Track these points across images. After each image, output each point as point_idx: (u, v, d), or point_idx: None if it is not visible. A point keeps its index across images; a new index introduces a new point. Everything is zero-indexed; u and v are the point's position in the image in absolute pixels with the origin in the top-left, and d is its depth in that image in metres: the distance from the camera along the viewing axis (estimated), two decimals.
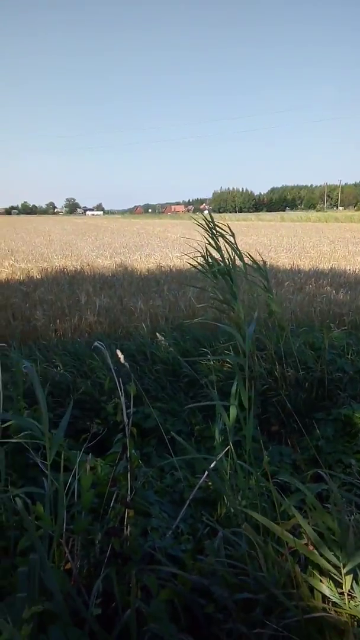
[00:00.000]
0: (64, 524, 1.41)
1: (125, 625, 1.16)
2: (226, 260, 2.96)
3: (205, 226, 3.02)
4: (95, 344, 1.61)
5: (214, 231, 3.02)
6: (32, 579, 1.14)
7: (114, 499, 1.59)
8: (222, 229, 3.09)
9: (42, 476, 2.12)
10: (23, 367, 1.45)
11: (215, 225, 3.05)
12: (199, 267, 3.13)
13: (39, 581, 1.15)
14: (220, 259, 2.98)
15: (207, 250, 3.12)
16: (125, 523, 1.49)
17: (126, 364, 1.40)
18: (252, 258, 3.34)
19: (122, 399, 1.63)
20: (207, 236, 3.10)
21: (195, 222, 3.19)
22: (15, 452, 2.11)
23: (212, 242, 2.97)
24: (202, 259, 3.26)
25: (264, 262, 3.57)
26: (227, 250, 3.06)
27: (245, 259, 3.31)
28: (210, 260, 3.04)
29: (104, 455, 2.01)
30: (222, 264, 2.94)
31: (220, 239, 3.06)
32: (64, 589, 1.20)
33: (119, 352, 1.40)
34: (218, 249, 3.00)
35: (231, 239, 2.98)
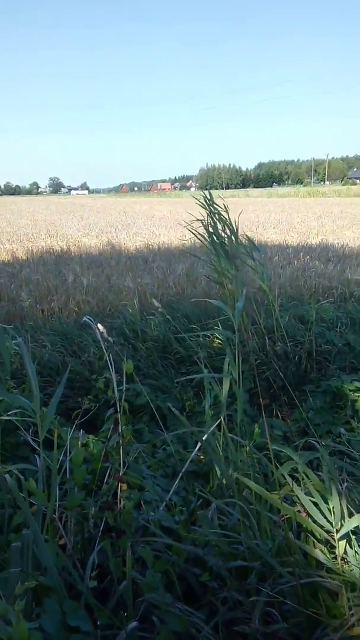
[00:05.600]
0: (57, 500, 1.40)
1: (121, 596, 1.17)
2: (222, 234, 3.00)
3: (204, 203, 3.09)
4: (84, 319, 1.58)
5: (211, 208, 3.07)
6: (26, 554, 1.13)
7: (107, 474, 1.59)
8: (217, 206, 3.14)
9: (33, 455, 2.11)
10: (14, 343, 1.41)
11: (212, 202, 3.10)
12: (200, 240, 3.17)
13: (33, 556, 1.15)
14: (216, 234, 3.01)
15: (205, 225, 3.17)
16: (118, 497, 1.49)
17: (110, 338, 1.38)
18: (248, 237, 3.36)
19: (113, 373, 1.61)
20: (203, 213, 3.15)
21: (197, 201, 3.25)
22: (4, 432, 2.09)
23: (210, 218, 3.03)
24: (198, 234, 3.29)
25: (251, 239, 3.59)
26: (221, 225, 3.10)
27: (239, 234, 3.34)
28: (206, 235, 3.09)
29: (96, 433, 2.00)
30: (219, 238, 2.98)
31: (215, 215, 3.11)
32: (59, 563, 1.20)
33: (100, 326, 1.37)
34: (214, 224, 3.05)
35: (225, 215, 3.01)
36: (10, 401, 1.73)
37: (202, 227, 3.44)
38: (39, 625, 0.97)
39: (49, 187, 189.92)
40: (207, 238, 3.29)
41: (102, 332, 1.36)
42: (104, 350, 1.64)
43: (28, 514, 1.18)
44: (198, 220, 3.33)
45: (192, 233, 3.38)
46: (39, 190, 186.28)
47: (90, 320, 1.69)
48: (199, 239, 3.35)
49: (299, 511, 1.19)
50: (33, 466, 1.59)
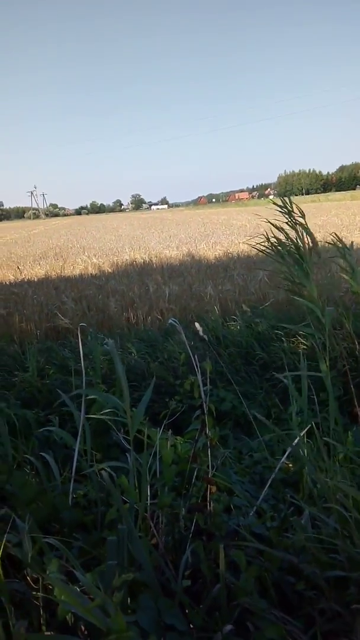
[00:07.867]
0: (148, 499, 1.42)
1: (214, 599, 1.15)
2: (296, 241, 2.88)
3: (279, 210, 2.98)
4: (170, 321, 1.60)
5: (285, 215, 2.95)
6: (121, 549, 1.15)
7: (195, 476, 1.58)
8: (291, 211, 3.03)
9: (123, 456, 2.17)
10: (104, 343, 1.47)
11: (287, 207, 3.00)
12: (266, 249, 3.08)
13: (127, 552, 1.17)
14: (290, 239, 2.90)
15: (270, 233, 3.07)
16: (207, 499, 1.48)
17: (205, 336, 1.38)
18: (337, 236, 3.21)
19: (199, 375, 1.61)
20: (276, 218, 3.06)
21: (275, 206, 3.16)
22: (97, 433, 2.18)
23: (287, 224, 2.91)
24: (270, 241, 3.19)
25: (343, 241, 3.41)
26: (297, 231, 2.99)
27: (320, 238, 3.20)
28: (277, 242, 2.98)
29: (183, 433, 2.01)
30: (291, 245, 2.87)
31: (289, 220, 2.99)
32: (153, 561, 1.21)
33: (197, 325, 1.37)
34: (294, 231, 2.93)
35: (301, 220, 2.90)
36: (102, 401, 1.79)
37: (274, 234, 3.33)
38: (135, 620, 0.98)
39: (131, 203, 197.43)
40: (275, 246, 3.17)
41: (199, 330, 1.36)
42: (189, 351, 1.65)
43: (122, 510, 1.21)
44: (265, 230, 3.23)
45: (255, 247, 3.31)
46: (122, 207, 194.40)
47: (175, 322, 1.71)
48: (262, 251, 3.24)
49: None
50: (125, 464, 1.63)
